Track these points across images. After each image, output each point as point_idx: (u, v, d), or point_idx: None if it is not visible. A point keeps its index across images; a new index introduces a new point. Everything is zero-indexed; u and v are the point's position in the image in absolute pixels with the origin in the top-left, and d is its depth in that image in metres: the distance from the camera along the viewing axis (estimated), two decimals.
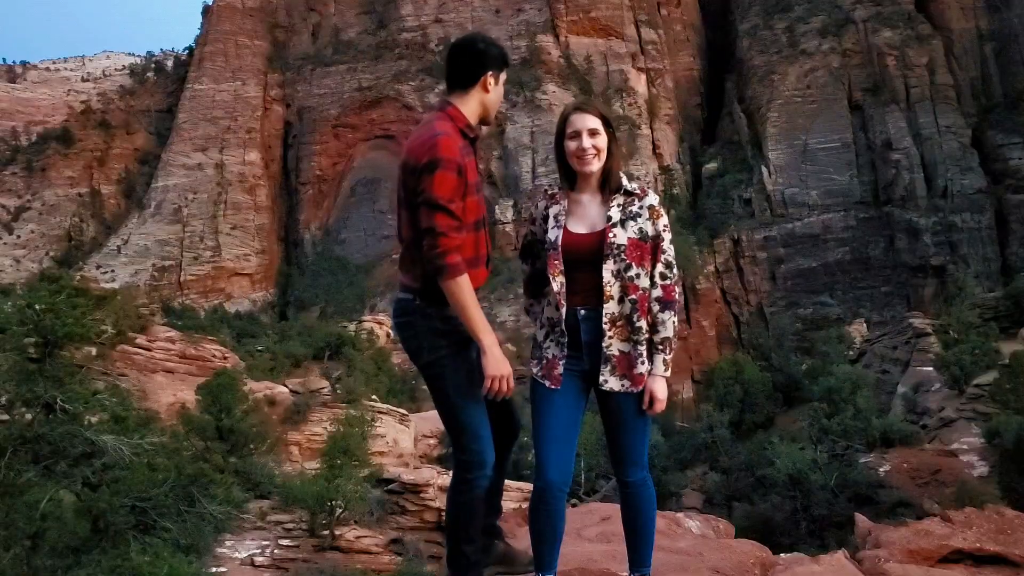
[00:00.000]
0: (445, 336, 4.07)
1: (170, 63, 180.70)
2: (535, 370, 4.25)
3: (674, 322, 4.29)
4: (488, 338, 3.94)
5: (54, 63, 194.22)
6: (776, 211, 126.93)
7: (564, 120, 4.31)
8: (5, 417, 13.36)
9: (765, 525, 23.85)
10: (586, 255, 4.16)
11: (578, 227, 4.23)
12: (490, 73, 4.20)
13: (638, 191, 4.33)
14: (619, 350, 4.17)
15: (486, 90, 4.21)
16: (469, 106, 4.21)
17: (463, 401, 4.16)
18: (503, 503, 4.88)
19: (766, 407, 42.06)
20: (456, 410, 4.19)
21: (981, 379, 32.80)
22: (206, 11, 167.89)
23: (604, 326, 4.15)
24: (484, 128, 4.39)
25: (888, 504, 24.08)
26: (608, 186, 4.31)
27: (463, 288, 3.91)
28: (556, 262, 4.14)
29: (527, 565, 4.62)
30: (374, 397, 41.10)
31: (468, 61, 4.19)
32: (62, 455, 12.99)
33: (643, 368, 4.21)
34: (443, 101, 4.25)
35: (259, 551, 20.20)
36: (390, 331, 70.43)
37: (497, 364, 3.93)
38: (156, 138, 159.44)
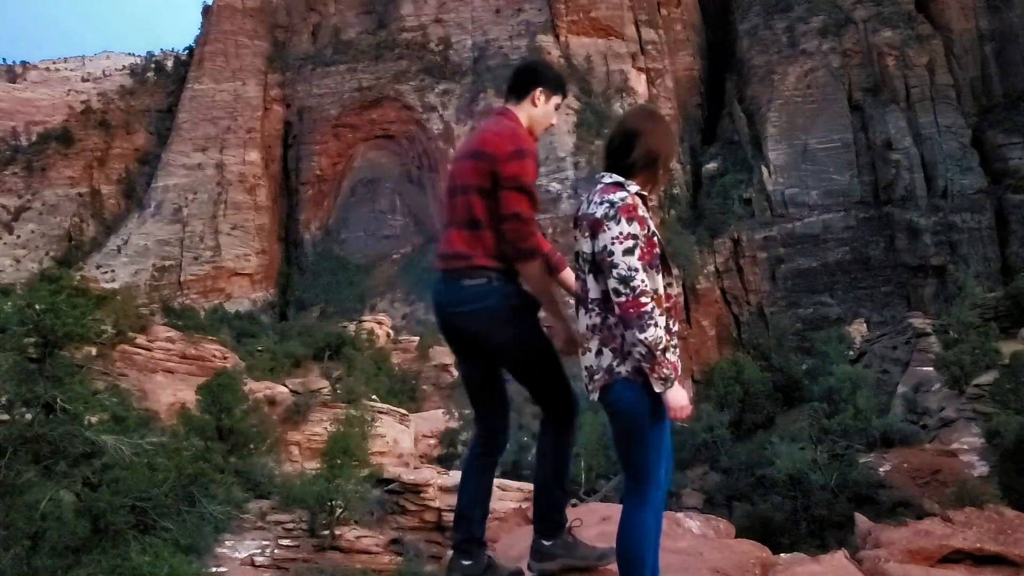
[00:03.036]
0: (522, 309, 4.35)
1: (170, 63, 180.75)
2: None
3: None
4: (563, 314, 4.38)
5: (54, 63, 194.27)
6: (776, 211, 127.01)
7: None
8: (5, 417, 13.34)
9: (765, 525, 23.82)
10: None
11: None
12: (540, 89, 4.54)
13: None
14: None
15: (534, 104, 4.53)
16: (520, 116, 4.52)
17: (552, 356, 4.44)
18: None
19: (766, 407, 42.00)
20: (555, 366, 4.44)
21: (981, 379, 32.76)
22: (206, 11, 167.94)
23: None
24: None
25: (888, 504, 24.06)
26: None
27: (541, 269, 4.28)
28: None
29: None
30: (374, 397, 41.11)
31: (524, 75, 4.57)
32: (62, 455, 12.98)
33: None
34: (501, 107, 4.57)
35: (259, 551, 20.20)
36: (390, 331, 70.49)
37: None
38: (156, 138, 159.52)
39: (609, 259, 3.89)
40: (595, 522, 5.85)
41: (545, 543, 4.62)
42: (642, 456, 4.09)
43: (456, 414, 41.47)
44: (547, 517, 4.64)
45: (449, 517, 22.60)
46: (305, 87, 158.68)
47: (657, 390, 3.89)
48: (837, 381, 34.26)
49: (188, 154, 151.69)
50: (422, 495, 22.89)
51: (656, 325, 3.84)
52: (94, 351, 26.31)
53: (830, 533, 22.64)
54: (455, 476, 24.25)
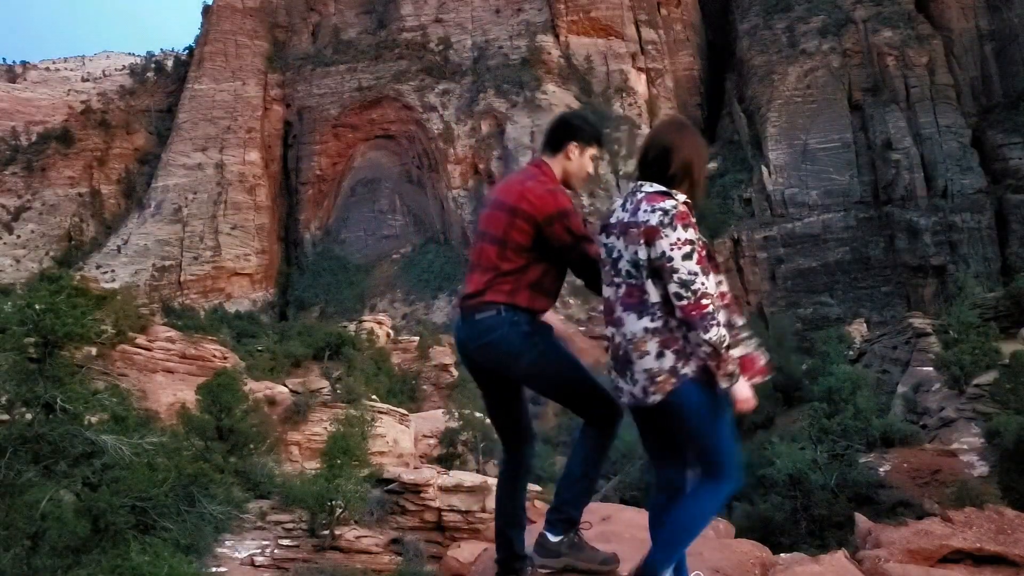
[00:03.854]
0: (535, 333, 4.53)
1: (170, 63, 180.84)
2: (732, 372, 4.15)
3: None
4: None
5: (54, 63, 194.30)
6: (776, 211, 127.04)
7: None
8: (5, 417, 13.35)
9: (765, 525, 23.81)
10: None
11: None
12: (573, 144, 4.67)
13: None
14: None
15: (568, 158, 4.68)
16: (554, 168, 4.68)
17: (578, 368, 4.61)
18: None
19: (766, 407, 42.00)
20: (578, 378, 4.59)
21: (981, 379, 32.79)
22: (206, 11, 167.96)
23: None
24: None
25: (888, 504, 24.06)
26: None
27: None
28: None
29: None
30: (374, 397, 41.08)
31: (558, 130, 4.72)
32: (62, 455, 12.97)
33: None
34: (537, 159, 4.74)
35: (259, 551, 20.21)
36: (390, 331, 70.55)
37: None
38: (156, 138, 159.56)
39: (669, 264, 4.01)
40: (595, 522, 5.85)
41: (551, 538, 4.67)
42: (716, 450, 4.26)
43: (456, 414, 41.45)
44: (561, 510, 4.70)
45: (449, 517, 22.63)
46: (305, 87, 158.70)
47: (723, 386, 4.02)
48: (837, 381, 34.21)
49: (188, 154, 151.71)
50: (422, 495, 22.88)
51: (718, 325, 3.99)
52: (94, 351, 26.30)
53: (830, 533, 22.64)
54: (455, 476, 24.26)
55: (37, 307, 13.69)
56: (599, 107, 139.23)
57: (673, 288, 4.00)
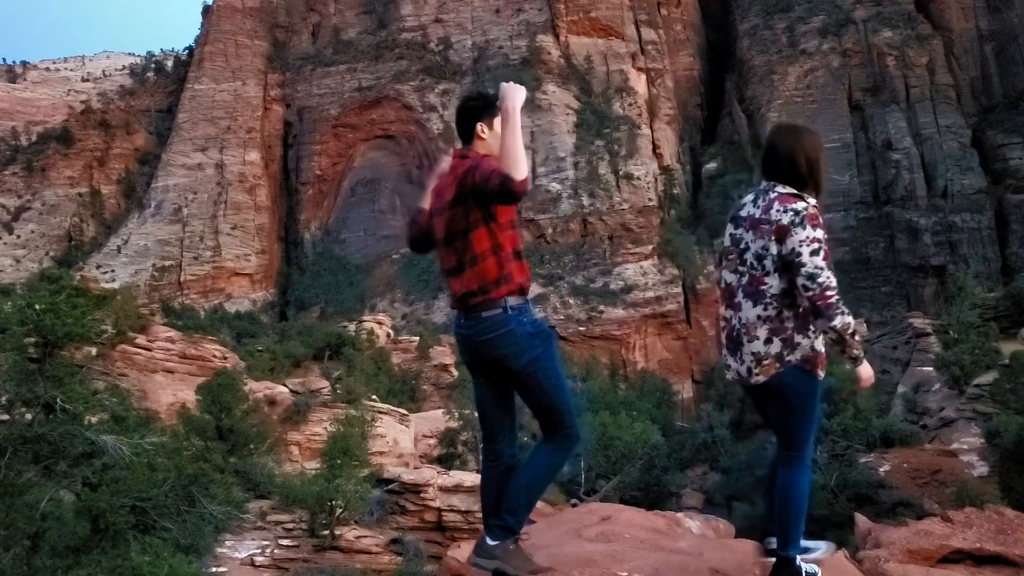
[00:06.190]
0: (536, 336, 4.74)
1: (170, 63, 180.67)
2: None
3: None
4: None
5: (54, 63, 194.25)
6: None
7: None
8: (5, 417, 13.35)
9: None
10: None
11: None
12: (480, 124, 4.86)
13: None
14: None
15: (482, 138, 4.88)
16: (480, 152, 4.86)
17: (563, 385, 4.83)
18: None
19: None
20: (560, 394, 4.81)
21: (981, 379, 32.82)
22: (206, 11, 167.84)
23: None
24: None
25: (888, 504, 24.07)
26: None
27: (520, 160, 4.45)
28: None
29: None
30: (374, 397, 41.05)
31: (463, 122, 4.93)
32: (62, 455, 12.98)
33: None
34: (461, 151, 4.94)
35: (259, 551, 20.22)
36: (390, 331, 70.56)
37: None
38: (156, 138, 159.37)
39: (798, 259, 4.38)
40: (595, 522, 5.84)
41: (489, 542, 4.85)
42: (804, 430, 4.70)
43: (456, 414, 41.43)
44: (502, 519, 4.86)
45: (449, 517, 22.63)
46: (305, 87, 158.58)
47: (847, 367, 4.65)
48: (837, 381, 34.21)
49: (188, 154, 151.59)
50: (422, 495, 22.89)
51: (844, 313, 4.41)
52: (94, 351, 26.28)
53: (830, 533, 22.61)
54: (455, 476, 24.26)
55: (37, 307, 13.68)
56: (599, 107, 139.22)
57: (801, 280, 4.37)
